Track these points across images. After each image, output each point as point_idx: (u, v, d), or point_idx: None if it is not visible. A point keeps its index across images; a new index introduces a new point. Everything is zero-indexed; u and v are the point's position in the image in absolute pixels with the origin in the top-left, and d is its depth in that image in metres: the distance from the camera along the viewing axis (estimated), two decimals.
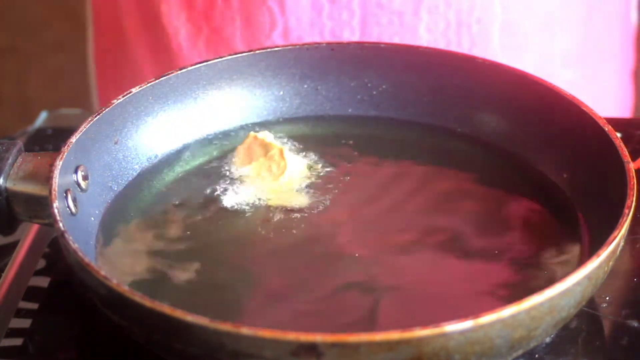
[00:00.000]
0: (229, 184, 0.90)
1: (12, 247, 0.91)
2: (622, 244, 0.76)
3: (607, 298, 0.82)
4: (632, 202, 0.78)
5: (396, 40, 1.09)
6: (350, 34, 1.09)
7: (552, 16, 1.15)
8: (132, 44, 1.21)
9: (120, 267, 0.81)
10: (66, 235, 0.76)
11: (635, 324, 0.81)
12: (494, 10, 1.10)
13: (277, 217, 0.86)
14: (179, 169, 0.92)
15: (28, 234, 0.93)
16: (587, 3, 1.17)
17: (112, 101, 0.89)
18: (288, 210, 0.87)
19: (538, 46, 1.14)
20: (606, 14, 1.20)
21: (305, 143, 0.95)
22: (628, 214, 0.77)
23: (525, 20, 1.12)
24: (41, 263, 0.90)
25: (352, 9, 1.08)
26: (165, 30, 1.14)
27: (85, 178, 0.85)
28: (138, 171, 0.91)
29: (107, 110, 0.88)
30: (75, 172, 0.84)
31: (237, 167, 0.92)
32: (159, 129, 0.94)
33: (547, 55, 1.14)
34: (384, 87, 0.98)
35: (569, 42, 1.16)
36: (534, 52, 1.13)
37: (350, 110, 0.99)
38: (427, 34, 1.09)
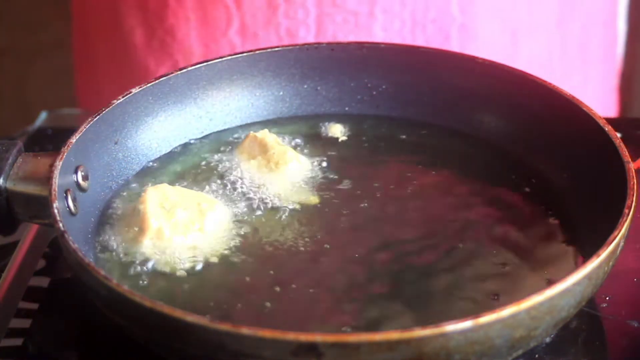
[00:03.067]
0: (228, 183, 0.90)
1: (12, 247, 0.91)
2: (622, 244, 0.76)
3: (607, 298, 0.82)
4: (632, 202, 0.78)
5: (351, 38, 1.09)
6: (306, 33, 1.09)
7: (518, 23, 1.14)
8: (99, 43, 1.21)
9: (120, 266, 0.82)
10: (66, 235, 0.76)
11: (635, 324, 0.81)
12: (451, 12, 1.10)
13: (277, 215, 0.86)
14: (179, 168, 0.92)
15: (28, 234, 0.93)
16: (557, 12, 1.16)
17: (112, 101, 0.89)
18: (287, 208, 0.87)
19: (501, 51, 1.14)
20: (582, 23, 1.19)
21: (304, 143, 0.95)
22: (628, 214, 0.77)
23: (485, 25, 1.12)
24: (41, 263, 0.90)
25: (307, 8, 1.08)
26: (123, 30, 1.14)
27: (85, 178, 0.85)
28: (138, 171, 0.91)
29: (107, 110, 0.88)
30: (75, 172, 0.84)
31: (236, 166, 0.92)
32: (159, 129, 0.94)
33: (511, 61, 1.14)
34: (384, 87, 0.98)
35: (536, 50, 1.16)
36: (495, 57, 1.13)
37: (350, 110, 0.99)
38: (382, 32, 1.09)
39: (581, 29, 1.20)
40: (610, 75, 1.26)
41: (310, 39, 1.09)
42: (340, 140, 0.96)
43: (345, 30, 1.09)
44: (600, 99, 1.25)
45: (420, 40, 1.10)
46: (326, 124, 0.97)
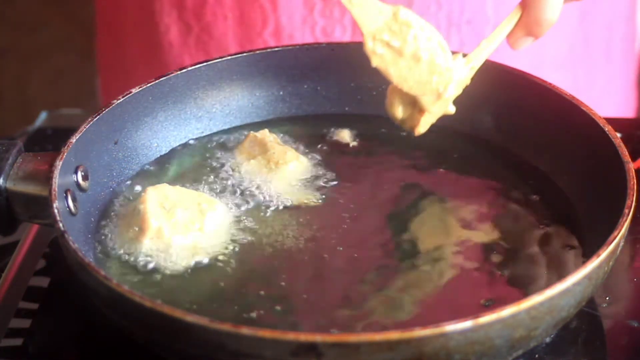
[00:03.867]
0: (228, 183, 0.90)
1: (12, 247, 0.91)
2: (622, 244, 0.76)
3: (607, 298, 0.82)
4: (632, 202, 0.78)
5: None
6: (342, 33, 1.09)
7: None
8: (129, 42, 1.21)
9: (120, 266, 0.82)
10: (66, 235, 0.76)
11: (635, 324, 0.81)
12: (486, 13, 1.10)
13: (276, 214, 0.86)
14: (179, 168, 0.92)
15: (28, 234, 0.93)
16: (579, 9, 1.16)
17: (112, 101, 0.89)
18: (287, 208, 0.87)
19: (528, 52, 1.14)
20: (604, 20, 1.20)
21: (304, 143, 0.95)
22: (628, 214, 0.77)
23: None
24: (41, 263, 0.90)
25: (344, 7, 1.08)
26: (158, 28, 1.14)
27: (85, 178, 0.85)
28: (137, 171, 0.92)
29: (107, 110, 0.88)
30: (75, 172, 0.84)
31: (236, 166, 0.92)
32: (159, 129, 0.94)
33: (538, 59, 1.14)
34: (384, 87, 0.98)
35: (560, 46, 1.16)
36: (524, 56, 1.13)
37: (350, 110, 0.99)
38: None
39: (604, 26, 1.20)
40: (631, 72, 1.27)
41: (346, 39, 1.09)
42: (340, 140, 0.96)
43: None
44: (624, 97, 1.25)
45: (454, 41, 1.09)
46: (332, 129, 0.97)
